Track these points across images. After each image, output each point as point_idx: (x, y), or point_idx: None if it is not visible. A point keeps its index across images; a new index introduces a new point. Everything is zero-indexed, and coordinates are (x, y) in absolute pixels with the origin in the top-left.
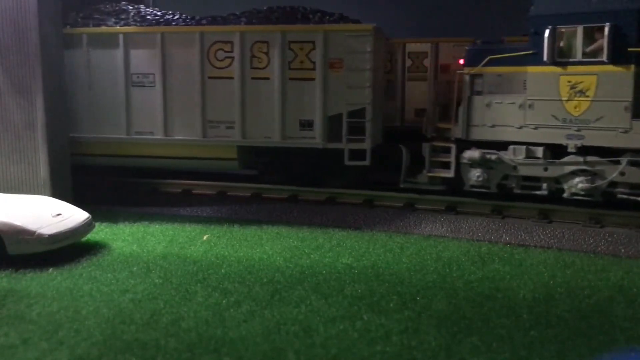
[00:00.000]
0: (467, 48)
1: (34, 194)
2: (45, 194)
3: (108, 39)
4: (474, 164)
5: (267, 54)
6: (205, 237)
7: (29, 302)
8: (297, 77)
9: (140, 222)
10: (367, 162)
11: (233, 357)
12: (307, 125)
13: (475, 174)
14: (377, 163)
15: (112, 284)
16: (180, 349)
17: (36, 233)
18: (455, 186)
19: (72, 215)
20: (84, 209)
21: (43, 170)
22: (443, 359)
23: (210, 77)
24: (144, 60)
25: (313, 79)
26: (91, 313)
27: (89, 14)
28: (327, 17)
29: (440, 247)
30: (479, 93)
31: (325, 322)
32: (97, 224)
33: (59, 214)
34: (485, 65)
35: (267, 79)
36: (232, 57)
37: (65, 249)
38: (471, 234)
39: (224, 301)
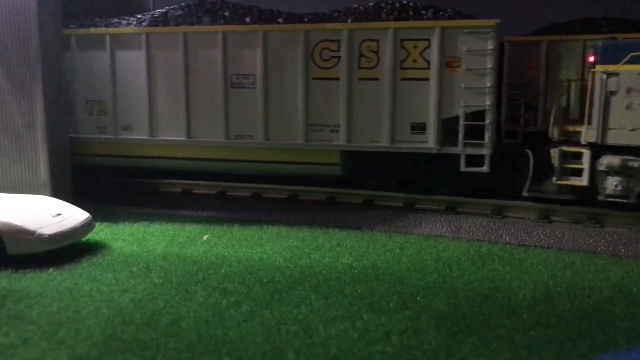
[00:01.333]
0: (599, 44)
1: (34, 194)
2: (45, 194)
3: (206, 39)
4: (611, 171)
5: (376, 52)
6: (205, 237)
7: (29, 302)
8: (409, 77)
9: (140, 222)
10: (485, 169)
11: (233, 357)
12: (419, 128)
13: (613, 183)
14: (493, 169)
15: (112, 284)
16: (180, 349)
17: (36, 233)
18: (588, 196)
19: (72, 215)
20: (84, 209)
21: (43, 170)
22: (443, 359)
23: (314, 78)
24: (243, 60)
25: (427, 79)
26: (91, 313)
27: (177, 14)
28: (441, 13)
29: (440, 247)
30: (613, 93)
31: (325, 322)
32: (97, 224)
33: (59, 214)
34: (627, 62)
35: (376, 79)
36: (339, 57)
37: (65, 249)
38: (471, 234)
39: (224, 301)
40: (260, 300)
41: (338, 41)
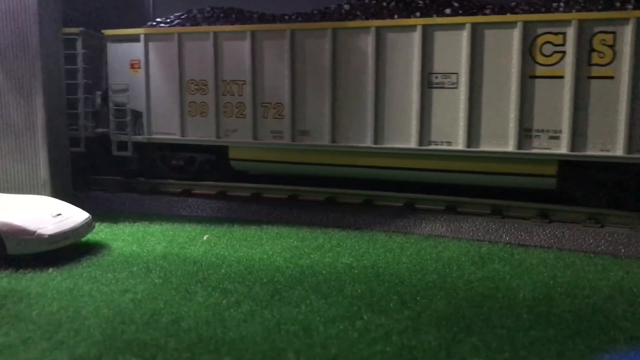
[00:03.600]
0: None
1: (34, 194)
2: (45, 194)
3: (401, 34)
4: None
5: (612, 47)
6: (205, 237)
7: (29, 302)
8: None
9: (140, 222)
10: None
11: (233, 357)
12: None
13: None
14: None
15: (112, 284)
16: (180, 349)
17: (36, 233)
18: None
19: (72, 215)
20: (84, 209)
21: (43, 170)
22: (443, 359)
23: (531, 77)
24: (444, 57)
25: None
26: (91, 313)
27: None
28: None
29: (440, 247)
30: None
31: (325, 322)
32: (97, 224)
33: (59, 214)
34: None
35: (611, 77)
36: (563, 52)
37: (65, 249)
38: (471, 234)
39: (224, 301)
40: (260, 300)
41: (564, 34)
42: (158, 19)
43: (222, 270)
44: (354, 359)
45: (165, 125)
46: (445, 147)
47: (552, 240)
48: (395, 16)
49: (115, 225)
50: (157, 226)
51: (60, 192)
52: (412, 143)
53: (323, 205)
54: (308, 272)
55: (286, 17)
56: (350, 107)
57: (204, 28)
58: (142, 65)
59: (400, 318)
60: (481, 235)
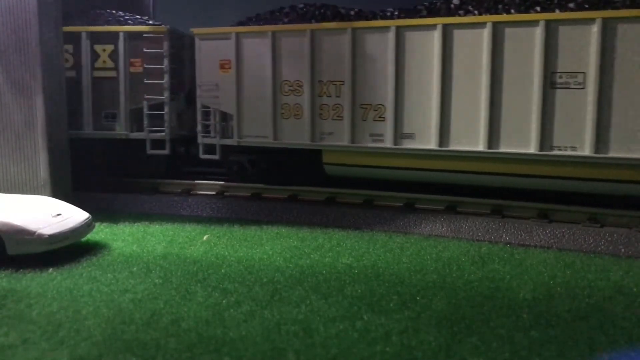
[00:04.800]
0: None
1: (34, 194)
2: (45, 194)
3: (522, 30)
4: None
5: None
6: (205, 237)
7: (29, 302)
8: None
9: (140, 222)
10: None
11: (233, 357)
12: None
13: None
14: None
15: (112, 284)
16: (180, 349)
17: (36, 233)
18: None
19: (72, 215)
20: (84, 209)
21: (43, 170)
22: (443, 359)
23: None
24: (569, 55)
25: None
26: (91, 313)
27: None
28: None
29: (440, 247)
30: None
31: (325, 322)
32: (97, 224)
33: (59, 214)
34: None
35: None
36: None
37: (65, 249)
38: (471, 234)
39: (224, 301)
40: (260, 300)
41: None
42: (248, 17)
43: (222, 270)
44: (354, 359)
45: (256, 128)
46: (569, 152)
47: (552, 240)
48: (512, 11)
49: (115, 225)
50: (157, 226)
51: (60, 192)
52: (532, 148)
53: (323, 205)
54: (308, 272)
55: (388, 14)
56: (461, 108)
57: (299, 26)
58: (232, 65)
59: (400, 318)
60: (481, 235)
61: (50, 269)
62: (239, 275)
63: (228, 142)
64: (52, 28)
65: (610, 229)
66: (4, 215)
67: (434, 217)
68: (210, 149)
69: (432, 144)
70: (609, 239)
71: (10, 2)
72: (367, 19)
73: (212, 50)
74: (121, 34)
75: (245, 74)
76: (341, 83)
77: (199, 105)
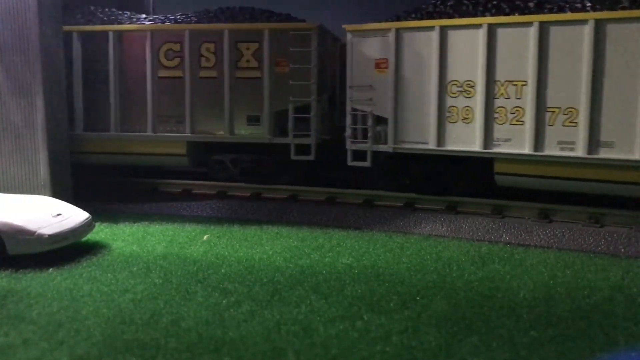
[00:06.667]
0: None
1: (34, 194)
2: (45, 194)
3: None
4: None
5: None
6: (205, 237)
7: (29, 302)
8: None
9: (140, 222)
10: None
11: (233, 357)
12: None
13: None
14: None
15: (112, 284)
16: (180, 349)
17: (36, 233)
18: None
19: (72, 215)
20: (84, 209)
21: (43, 170)
22: (443, 359)
23: None
24: None
25: None
26: (91, 313)
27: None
28: None
29: (440, 247)
30: None
31: (325, 322)
32: (97, 224)
33: (59, 214)
34: None
35: None
36: None
37: (65, 249)
38: (471, 234)
39: (224, 301)
40: (260, 300)
41: None
42: (406, 11)
43: (222, 270)
44: (353, 359)
45: (415, 133)
46: None
47: (552, 240)
48: None
49: (115, 225)
50: (157, 226)
51: (60, 192)
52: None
53: (323, 205)
54: (308, 272)
55: (577, 5)
56: None
57: (474, 19)
58: (390, 65)
59: (400, 318)
60: (481, 235)
61: (50, 269)
62: (239, 275)
63: (382, 148)
64: (52, 28)
65: (610, 229)
66: (4, 215)
67: (434, 217)
68: (360, 155)
69: (637, 154)
70: (609, 239)
71: (11, 2)
72: (550, 11)
73: (366, 48)
74: (266, 31)
75: (404, 74)
76: (523, 83)
77: (348, 108)
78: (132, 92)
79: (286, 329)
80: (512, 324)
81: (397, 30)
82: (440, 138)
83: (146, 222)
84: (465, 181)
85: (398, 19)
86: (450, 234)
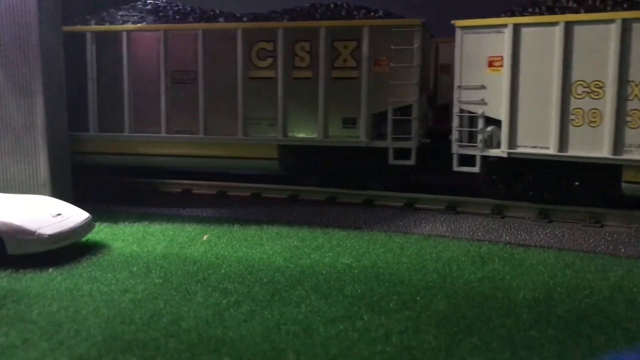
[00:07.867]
0: None
1: (34, 194)
2: (45, 194)
3: None
4: None
5: None
6: (205, 237)
7: (29, 302)
8: None
9: (140, 222)
10: None
11: (233, 357)
12: None
13: None
14: None
15: (112, 284)
16: (180, 349)
17: (36, 233)
18: None
19: (72, 215)
20: (84, 209)
21: (43, 170)
22: (443, 359)
23: None
24: None
25: None
26: (91, 313)
27: None
28: None
29: (440, 247)
30: None
31: (325, 322)
32: (97, 224)
33: (59, 214)
34: None
35: None
36: None
37: (65, 249)
38: (471, 234)
39: (224, 301)
40: (260, 300)
41: None
42: (521, 5)
43: (222, 270)
44: (353, 359)
45: (533, 137)
46: None
47: (552, 240)
48: None
49: (115, 225)
50: (157, 226)
51: (60, 192)
52: None
53: (323, 205)
54: (308, 272)
55: None
56: None
57: (604, 14)
58: (506, 63)
59: (400, 318)
60: (481, 235)
61: (50, 269)
62: (239, 275)
63: (494, 152)
64: (52, 28)
65: (610, 229)
66: (4, 215)
67: (434, 217)
68: (467, 160)
69: None
70: (609, 239)
71: (11, 2)
72: None
73: (478, 45)
74: (366, 28)
75: (521, 73)
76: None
77: (456, 110)
78: (220, 95)
79: (286, 329)
80: (512, 324)
81: (515, 25)
82: (563, 142)
83: (146, 222)
84: (589, 190)
85: (512, 14)
86: (450, 234)
